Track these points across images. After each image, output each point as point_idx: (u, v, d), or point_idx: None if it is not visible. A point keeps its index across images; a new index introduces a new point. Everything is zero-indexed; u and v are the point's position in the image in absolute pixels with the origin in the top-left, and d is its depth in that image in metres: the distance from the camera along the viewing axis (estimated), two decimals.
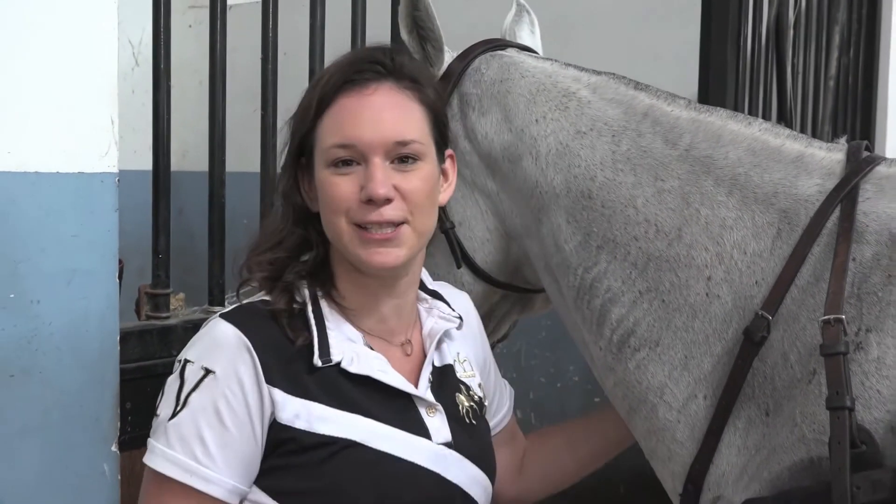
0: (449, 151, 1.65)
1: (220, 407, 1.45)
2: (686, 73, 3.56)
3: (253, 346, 1.49)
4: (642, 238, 1.63)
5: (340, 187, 1.50)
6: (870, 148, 1.57)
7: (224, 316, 1.54)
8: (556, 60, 1.92)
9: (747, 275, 1.52)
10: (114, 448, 1.77)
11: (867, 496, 1.26)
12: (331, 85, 1.53)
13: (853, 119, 4.22)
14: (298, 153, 1.58)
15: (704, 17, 3.38)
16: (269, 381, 1.48)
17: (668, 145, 1.66)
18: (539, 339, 5.11)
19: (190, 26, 5.57)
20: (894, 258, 1.40)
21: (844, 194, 1.48)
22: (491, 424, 1.80)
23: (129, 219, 2.15)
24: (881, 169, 1.51)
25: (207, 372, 1.47)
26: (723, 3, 3.32)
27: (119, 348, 1.79)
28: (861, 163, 1.51)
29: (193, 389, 1.46)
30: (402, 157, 1.52)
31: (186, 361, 1.50)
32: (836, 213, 1.47)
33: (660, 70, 4.43)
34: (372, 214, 1.49)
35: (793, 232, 1.51)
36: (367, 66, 1.54)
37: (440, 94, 1.66)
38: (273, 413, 1.48)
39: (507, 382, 1.91)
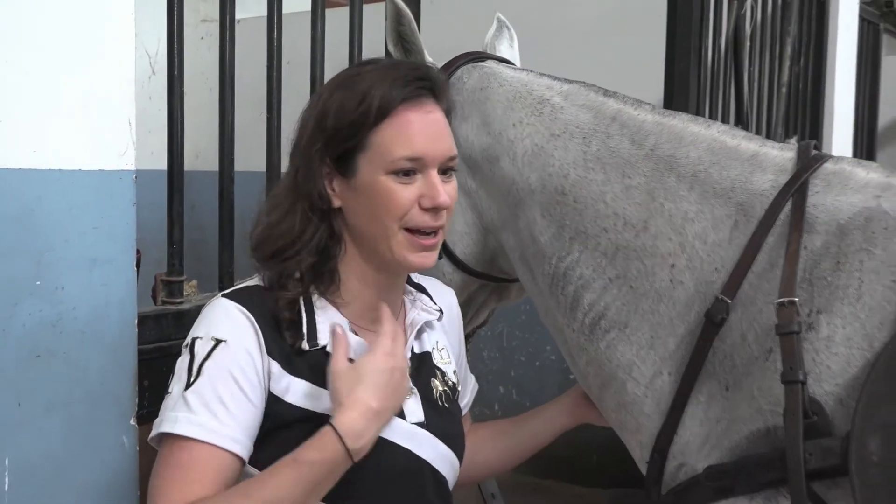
0: None
1: (235, 372, 1.45)
2: (652, 81, 3.57)
3: (255, 319, 1.48)
4: (612, 230, 1.63)
5: (402, 194, 1.49)
6: (818, 147, 1.57)
7: (225, 295, 1.54)
8: (531, 71, 1.92)
9: (708, 262, 1.52)
10: (132, 422, 1.76)
11: (818, 462, 1.26)
12: (391, 97, 1.50)
13: (803, 121, 4.25)
14: (339, 155, 1.53)
15: (669, 30, 3.39)
16: (269, 353, 1.48)
17: (635, 146, 1.66)
18: (519, 323, 5.14)
19: (202, 38, 5.57)
20: (842, 246, 1.40)
21: (795, 188, 1.48)
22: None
23: (147, 214, 2.14)
24: (828, 166, 1.51)
25: (218, 342, 1.46)
26: (685, 17, 3.33)
27: (137, 331, 1.77)
28: (810, 160, 1.51)
29: (206, 358, 1.45)
30: (446, 169, 1.54)
31: (195, 339, 1.49)
32: (789, 205, 1.47)
33: (628, 78, 4.42)
34: (430, 220, 1.50)
35: (749, 223, 1.51)
36: (422, 84, 1.53)
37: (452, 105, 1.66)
38: (269, 384, 1.47)
39: (474, 378, 1.89)
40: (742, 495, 1.37)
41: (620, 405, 1.62)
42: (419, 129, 1.50)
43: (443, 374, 1.68)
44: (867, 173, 1.49)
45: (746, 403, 1.40)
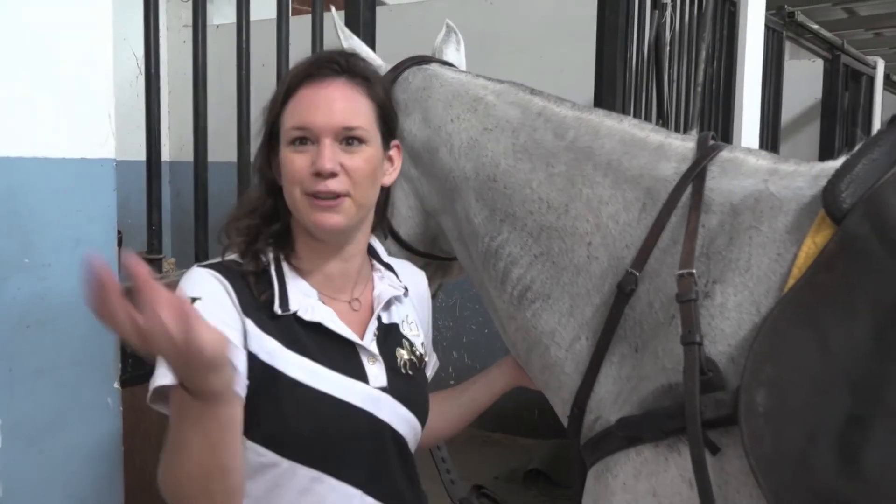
0: (395, 141, 1.61)
1: (212, 321, 1.33)
2: (584, 82, 3.59)
3: (230, 284, 1.45)
4: (536, 212, 1.63)
5: (296, 162, 1.47)
6: (715, 138, 1.58)
7: (200, 265, 1.51)
8: (469, 73, 1.92)
9: (619, 240, 1.53)
10: (116, 385, 1.75)
11: (712, 413, 1.27)
12: (295, 79, 1.50)
13: (716, 117, 4.28)
14: (269, 136, 1.54)
15: (598, 38, 3.41)
16: (245, 313, 1.44)
17: (557, 138, 1.65)
18: (471, 295, 5.15)
19: (185, 42, 5.50)
20: (735, 224, 1.41)
21: (695, 174, 1.48)
22: None
23: (136, 200, 2.13)
24: (724, 154, 1.52)
25: (194, 300, 1.39)
26: (612, 26, 3.34)
27: None
28: (708, 149, 1.52)
29: None
30: (349, 139, 1.48)
31: None
32: (689, 189, 1.48)
33: (564, 80, 4.44)
34: (319, 185, 1.46)
35: (655, 205, 1.51)
36: (325, 65, 1.51)
37: (388, 92, 1.63)
38: (246, 341, 1.43)
39: (435, 356, 1.85)
40: (649, 443, 1.37)
41: (545, 367, 1.63)
42: (310, 101, 1.48)
43: (411, 344, 1.64)
44: (757, 160, 1.50)
45: (652, 363, 1.41)
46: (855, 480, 1.13)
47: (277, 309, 1.47)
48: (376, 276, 1.65)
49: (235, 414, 1.32)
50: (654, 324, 1.44)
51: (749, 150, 1.54)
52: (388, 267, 1.70)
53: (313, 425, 1.45)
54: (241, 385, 1.37)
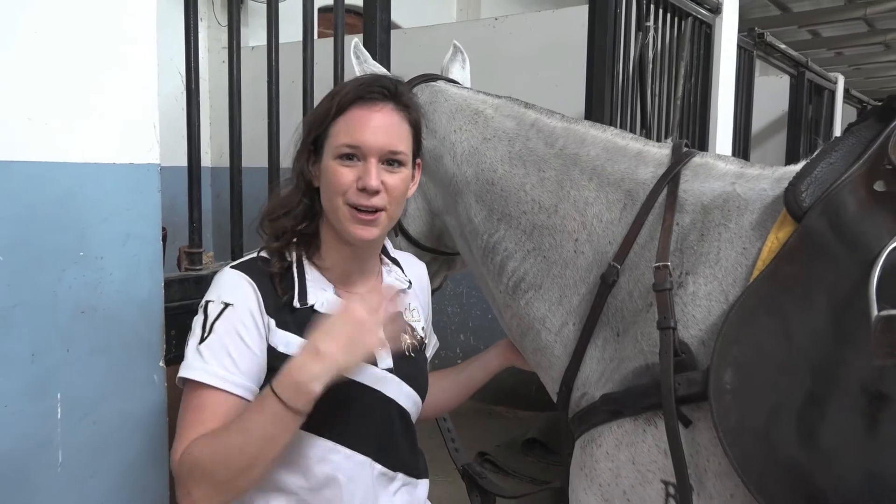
0: (419, 160, 1.60)
1: (240, 329, 1.41)
2: (576, 97, 3.57)
3: (256, 286, 1.45)
4: (529, 212, 1.61)
5: (344, 175, 1.45)
6: (689, 145, 1.56)
7: (233, 266, 1.51)
8: (471, 89, 1.90)
9: (603, 237, 1.51)
10: (161, 363, 1.74)
11: (685, 390, 1.26)
12: (347, 97, 1.48)
13: (694, 127, 4.25)
14: (312, 143, 1.52)
15: (588, 57, 3.40)
16: (268, 312, 1.44)
17: (548, 146, 1.64)
18: (477, 284, 5.13)
19: (223, 62, 5.50)
20: (705, 222, 1.39)
21: (670, 178, 1.47)
22: None
23: (181, 201, 2.12)
24: (696, 159, 1.50)
25: (227, 305, 1.42)
26: (601, 47, 3.33)
27: (164, 291, 1.75)
28: (682, 155, 1.50)
29: (217, 319, 1.41)
30: (391, 161, 1.48)
31: (208, 302, 1.45)
32: (665, 191, 1.46)
33: (559, 94, 4.42)
34: (363, 199, 1.45)
35: (634, 206, 1.49)
36: (376, 89, 1.49)
37: (420, 117, 1.60)
38: (268, 337, 1.44)
39: (436, 338, 1.85)
40: (629, 416, 1.36)
41: (536, 349, 1.61)
42: (361, 122, 1.46)
43: (412, 329, 1.64)
44: (726, 165, 1.48)
45: (632, 346, 1.39)
46: (812, 451, 1.12)
47: (297, 303, 1.48)
48: (385, 270, 1.65)
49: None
50: (634, 311, 1.43)
51: (718, 156, 1.52)
52: (395, 261, 1.69)
53: (329, 403, 1.44)
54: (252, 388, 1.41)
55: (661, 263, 1.35)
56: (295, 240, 1.53)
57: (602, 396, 1.40)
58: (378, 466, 1.52)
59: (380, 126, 1.47)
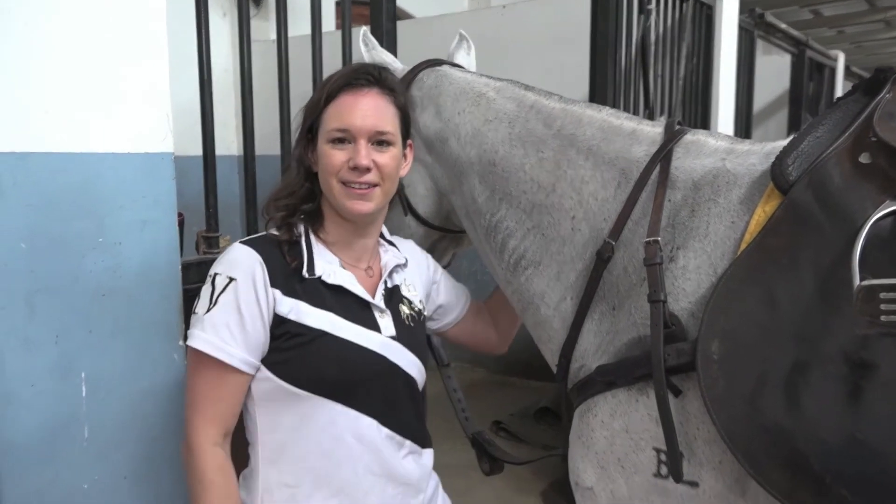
0: (409, 141, 1.65)
1: (241, 304, 1.43)
2: (582, 80, 3.53)
3: (262, 260, 1.47)
4: (529, 192, 1.60)
5: (336, 157, 1.50)
6: (681, 123, 1.53)
7: (242, 241, 1.53)
8: (474, 73, 1.88)
9: (599, 214, 1.49)
10: (180, 343, 1.75)
11: (674, 360, 1.25)
12: (336, 85, 1.53)
13: (696, 107, 4.20)
14: (308, 131, 1.57)
15: (592, 41, 3.36)
16: (273, 285, 1.46)
17: (546, 127, 1.62)
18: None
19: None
20: (696, 198, 1.37)
21: (663, 156, 1.44)
22: (451, 317, 1.83)
23: (199, 189, 2.13)
24: (687, 137, 1.47)
25: (231, 280, 1.45)
26: (604, 31, 3.30)
27: (182, 274, 1.75)
28: (674, 133, 1.47)
29: (222, 292, 1.44)
30: (379, 141, 1.52)
31: (216, 274, 1.47)
32: (657, 169, 1.44)
33: (564, 77, 4.38)
34: (355, 177, 1.50)
35: (628, 183, 1.47)
36: (362, 76, 1.54)
37: (407, 100, 1.66)
38: (274, 307, 1.46)
39: (463, 287, 1.90)
40: (622, 387, 1.35)
41: (536, 323, 1.60)
42: (350, 107, 1.51)
43: (410, 301, 1.67)
44: (716, 142, 1.45)
45: (626, 319, 1.38)
46: (797, 418, 1.10)
47: (305, 273, 1.50)
48: (382, 249, 1.68)
49: None
50: (629, 285, 1.41)
51: (710, 133, 1.50)
52: (391, 243, 1.73)
53: (338, 367, 1.48)
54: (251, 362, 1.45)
55: (651, 238, 1.33)
56: (302, 217, 1.57)
57: (598, 368, 1.39)
58: (385, 430, 1.54)
59: (367, 109, 1.51)
